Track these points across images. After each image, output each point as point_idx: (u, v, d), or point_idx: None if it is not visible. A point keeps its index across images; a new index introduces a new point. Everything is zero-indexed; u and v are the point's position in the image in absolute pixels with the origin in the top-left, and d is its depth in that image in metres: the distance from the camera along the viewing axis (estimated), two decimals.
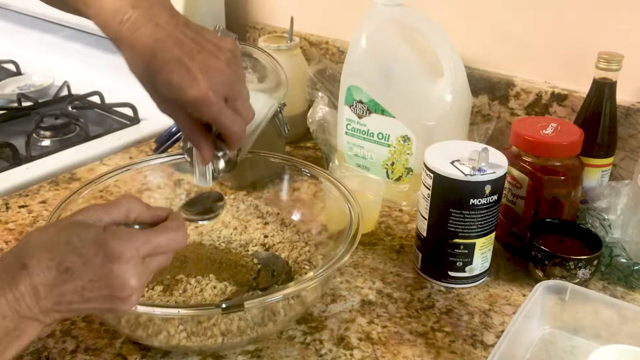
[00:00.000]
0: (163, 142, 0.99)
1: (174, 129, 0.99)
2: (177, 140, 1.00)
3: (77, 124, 1.17)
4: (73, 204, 0.71)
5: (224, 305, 0.51)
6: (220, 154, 0.64)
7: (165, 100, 0.55)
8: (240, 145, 0.61)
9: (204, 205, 0.58)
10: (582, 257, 0.69)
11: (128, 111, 1.21)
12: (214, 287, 0.62)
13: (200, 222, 0.63)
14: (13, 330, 0.43)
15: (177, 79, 0.51)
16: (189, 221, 0.55)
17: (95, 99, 1.26)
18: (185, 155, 0.67)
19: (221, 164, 0.65)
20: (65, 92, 1.31)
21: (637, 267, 0.73)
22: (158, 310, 0.52)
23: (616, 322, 0.64)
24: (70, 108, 1.22)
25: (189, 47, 0.53)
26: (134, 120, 1.19)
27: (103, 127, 1.21)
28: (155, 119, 1.19)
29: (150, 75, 0.53)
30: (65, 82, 1.31)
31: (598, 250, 0.71)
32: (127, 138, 1.12)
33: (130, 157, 1.05)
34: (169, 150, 1.00)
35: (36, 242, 0.46)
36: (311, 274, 0.59)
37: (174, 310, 0.52)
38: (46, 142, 1.12)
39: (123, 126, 1.18)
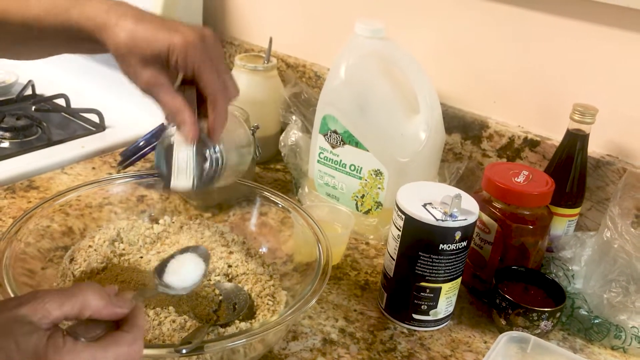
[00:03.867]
0: (129, 156, 0.96)
1: (141, 144, 0.96)
2: (143, 155, 0.97)
3: (40, 126, 1.13)
4: (31, 219, 0.68)
5: (184, 351, 0.49)
6: (205, 151, 0.57)
7: (149, 62, 0.55)
8: (220, 138, 0.58)
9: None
10: (546, 309, 0.70)
11: (94, 117, 1.17)
12: (173, 321, 0.60)
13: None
14: None
15: (163, 34, 0.54)
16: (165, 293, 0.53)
17: (61, 101, 1.22)
18: (159, 158, 0.60)
19: (206, 164, 0.58)
20: (29, 92, 1.26)
21: (597, 321, 0.73)
22: None
23: None
24: (33, 109, 1.18)
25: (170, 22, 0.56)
26: (99, 127, 1.15)
27: (67, 131, 1.17)
28: (121, 128, 1.16)
29: (135, 40, 0.54)
30: (29, 82, 1.27)
31: (562, 302, 0.71)
32: (91, 146, 1.09)
33: (93, 168, 1.02)
34: (135, 164, 0.98)
35: None
36: (275, 317, 0.58)
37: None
38: (5, 144, 1.08)
39: (88, 132, 1.14)
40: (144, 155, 0.97)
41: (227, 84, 0.58)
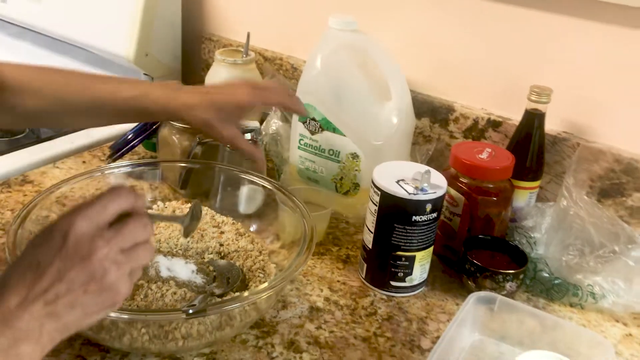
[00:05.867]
0: (119, 149, 1.02)
1: (129, 136, 1.02)
2: (132, 147, 1.02)
3: None
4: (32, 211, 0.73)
5: (190, 311, 0.55)
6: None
7: (225, 122, 0.75)
8: None
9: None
10: (510, 271, 0.77)
11: None
12: (174, 293, 0.66)
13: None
14: (8, 347, 0.44)
15: (229, 97, 0.76)
16: None
17: None
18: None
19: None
20: None
21: (557, 282, 0.81)
22: (125, 315, 0.55)
23: (538, 331, 0.71)
24: None
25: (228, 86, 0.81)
26: None
27: (53, 129, 1.21)
28: None
29: (213, 110, 0.74)
30: None
31: (524, 265, 0.78)
32: (79, 141, 1.13)
33: (84, 162, 1.06)
34: (124, 157, 1.03)
35: (15, 260, 0.50)
36: (266, 284, 0.64)
37: (141, 315, 0.56)
38: None
39: (74, 129, 1.19)
40: (132, 148, 1.02)
41: (290, 93, 0.84)
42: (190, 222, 0.62)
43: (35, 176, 1.00)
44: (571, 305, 0.80)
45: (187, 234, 0.63)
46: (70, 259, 0.47)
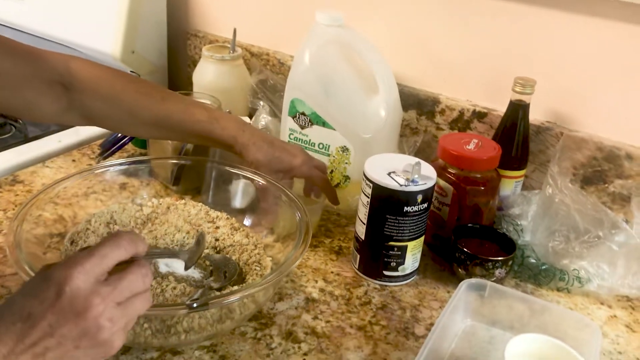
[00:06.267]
0: (109, 147, 1.02)
1: (119, 134, 1.02)
2: (122, 146, 1.03)
3: (14, 124, 1.17)
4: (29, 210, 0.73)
5: (195, 305, 0.56)
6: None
7: (273, 172, 0.82)
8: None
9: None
10: (499, 258, 0.79)
11: None
12: (174, 288, 0.67)
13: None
14: None
15: (287, 156, 0.82)
16: None
17: None
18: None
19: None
20: None
21: (544, 267, 0.83)
22: None
23: (527, 315, 0.74)
24: None
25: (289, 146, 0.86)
26: None
27: (40, 128, 1.21)
28: None
29: (269, 159, 0.81)
30: None
31: (512, 252, 0.81)
32: (67, 140, 1.13)
33: (73, 160, 1.07)
34: (114, 155, 1.03)
35: (4, 304, 0.48)
36: (266, 275, 0.65)
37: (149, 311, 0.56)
38: None
39: (62, 128, 1.18)
40: (122, 146, 1.03)
41: (325, 177, 0.87)
42: (195, 251, 0.63)
43: (25, 176, 1.00)
44: (558, 290, 0.83)
45: (189, 265, 0.63)
46: (63, 314, 0.46)
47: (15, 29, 1.39)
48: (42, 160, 1.06)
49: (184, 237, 0.78)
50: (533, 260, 0.84)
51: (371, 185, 0.77)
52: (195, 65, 1.15)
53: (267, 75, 1.12)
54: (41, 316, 0.46)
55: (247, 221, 0.84)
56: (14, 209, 0.91)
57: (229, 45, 1.13)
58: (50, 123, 1.14)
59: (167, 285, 0.67)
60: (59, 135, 1.15)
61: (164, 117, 0.77)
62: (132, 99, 0.76)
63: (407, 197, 0.76)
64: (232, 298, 0.60)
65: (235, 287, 0.69)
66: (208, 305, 0.57)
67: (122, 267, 0.51)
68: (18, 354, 0.45)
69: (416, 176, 0.76)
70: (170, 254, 0.72)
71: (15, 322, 0.46)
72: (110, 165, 0.86)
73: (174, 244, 0.77)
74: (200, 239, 0.64)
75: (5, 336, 0.45)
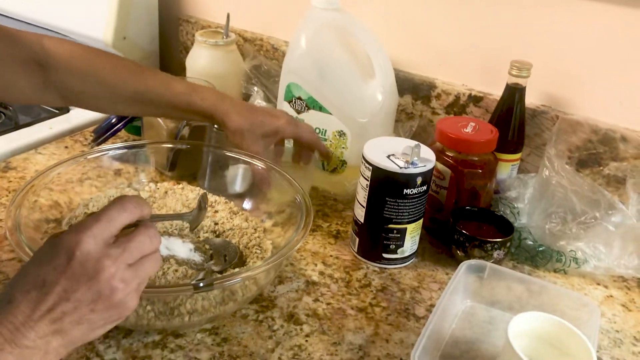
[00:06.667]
0: (102, 133, 1.01)
1: (113, 120, 1.01)
2: (116, 132, 1.02)
3: (4, 112, 1.15)
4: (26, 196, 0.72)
5: (201, 285, 0.56)
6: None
7: (258, 138, 0.79)
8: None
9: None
10: (498, 239, 0.80)
11: None
12: (176, 271, 0.67)
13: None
14: None
15: (270, 119, 0.80)
16: None
17: None
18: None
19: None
20: None
21: (541, 249, 0.84)
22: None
23: (526, 295, 0.74)
24: None
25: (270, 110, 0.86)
26: (64, 109, 1.18)
27: (30, 115, 1.19)
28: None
29: (252, 124, 0.78)
30: None
31: (510, 233, 0.81)
32: (59, 127, 1.12)
33: (66, 147, 1.05)
34: (108, 141, 1.02)
35: (17, 275, 0.48)
36: (267, 255, 0.65)
37: (151, 290, 0.56)
38: None
39: (52, 115, 1.17)
40: (116, 132, 1.02)
41: (312, 132, 0.86)
42: (198, 214, 0.63)
43: (18, 162, 0.99)
44: (555, 271, 0.84)
45: (194, 227, 0.65)
46: (76, 278, 0.47)
47: (6, 16, 1.37)
48: (34, 147, 1.05)
49: (182, 222, 0.77)
50: (530, 242, 0.85)
51: (370, 167, 0.77)
52: (187, 52, 1.14)
53: (261, 61, 1.11)
54: (55, 282, 0.46)
55: (246, 205, 0.84)
56: (7, 196, 0.90)
57: (222, 31, 1.13)
58: (29, 104, 1.13)
59: (168, 268, 0.67)
60: (50, 122, 1.14)
61: (143, 91, 0.77)
62: (109, 74, 0.76)
63: (406, 180, 0.76)
64: (236, 279, 0.60)
65: (237, 270, 0.68)
66: (213, 285, 0.57)
67: (129, 230, 0.51)
68: (36, 321, 0.46)
69: (416, 158, 0.76)
70: (175, 217, 0.74)
71: (30, 290, 0.46)
72: (105, 150, 0.85)
73: (173, 228, 0.77)
74: (202, 203, 0.64)
75: (21, 304, 0.46)
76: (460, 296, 0.75)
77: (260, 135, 0.79)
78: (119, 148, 0.87)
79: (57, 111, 1.18)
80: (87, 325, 0.48)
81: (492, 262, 0.78)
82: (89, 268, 0.47)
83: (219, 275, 0.65)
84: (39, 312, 0.46)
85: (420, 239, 0.84)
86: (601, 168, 0.91)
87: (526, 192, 0.88)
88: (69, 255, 0.47)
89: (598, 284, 0.82)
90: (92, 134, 1.04)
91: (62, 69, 0.74)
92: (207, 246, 0.75)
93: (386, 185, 0.77)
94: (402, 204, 0.77)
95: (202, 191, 0.81)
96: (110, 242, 0.49)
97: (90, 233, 0.48)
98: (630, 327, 0.75)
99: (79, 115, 1.17)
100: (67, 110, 1.19)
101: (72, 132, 1.11)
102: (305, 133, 0.84)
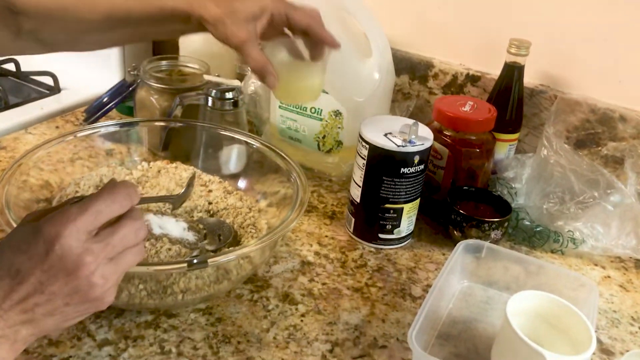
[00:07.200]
0: (94, 112, 0.99)
1: (105, 99, 0.99)
2: (108, 111, 1.00)
3: None
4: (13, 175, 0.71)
5: (195, 261, 0.55)
6: None
7: (242, 24, 0.64)
8: None
9: None
10: (495, 219, 0.79)
11: (48, 80, 1.18)
12: (169, 249, 0.65)
13: None
14: None
15: (252, 1, 0.65)
16: None
17: (10, 66, 1.22)
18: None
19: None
20: None
21: (538, 229, 0.83)
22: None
23: (523, 276, 0.73)
24: None
25: None
26: (55, 89, 1.17)
27: (20, 96, 1.18)
28: (76, 89, 1.18)
29: (232, 9, 0.63)
30: None
31: (508, 213, 0.80)
32: (50, 107, 1.11)
33: (57, 127, 1.04)
34: (100, 120, 1.01)
35: None
36: (261, 234, 0.64)
37: (143, 268, 0.55)
38: None
39: (43, 95, 1.16)
40: (108, 111, 1.00)
41: (311, 13, 0.69)
42: (183, 192, 0.62)
43: (8, 142, 0.97)
44: (552, 252, 0.83)
45: (177, 206, 0.63)
46: (53, 272, 0.45)
47: None
48: (24, 127, 1.03)
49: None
50: (527, 223, 0.84)
51: (367, 146, 0.76)
52: None
53: None
54: (30, 272, 0.45)
55: (240, 184, 0.82)
56: None
57: None
58: (7, 55, 1.10)
59: (161, 247, 0.65)
60: (41, 102, 1.12)
61: (111, 11, 0.67)
62: (75, 1, 0.67)
63: (404, 158, 0.75)
64: (231, 256, 0.59)
65: (231, 248, 0.67)
66: (207, 262, 0.56)
67: (115, 222, 0.49)
68: (6, 310, 0.44)
69: (413, 137, 0.75)
70: (162, 198, 0.73)
71: (3, 277, 0.45)
72: (96, 128, 0.83)
73: (166, 207, 0.75)
74: (190, 182, 0.62)
75: None
76: (457, 276, 0.75)
77: (244, 19, 0.65)
78: (110, 125, 0.85)
79: (47, 91, 1.16)
80: (59, 317, 0.46)
81: (489, 242, 0.78)
82: (68, 263, 0.45)
83: (212, 254, 0.64)
84: (10, 301, 0.44)
85: (417, 219, 0.83)
86: (599, 148, 0.90)
87: (524, 172, 0.87)
88: (48, 246, 0.45)
89: (595, 265, 0.82)
90: (84, 114, 1.03)
91: (29, 8, 0.67)
92: (200, 226, 0.74)
93: (383, 164, 0.75)
94: (399, 183, 0.76)
95: (196, 170, 0.80)
96: (93, 233, 0.47)
97: (74, 226, 0.45)
98: (628, 307, 0.75)
99: (70, 96, 1.16)
100: (59, 91, 1.17)
101: (63, 113, 1.09)
102: (299, 13, 0.67)
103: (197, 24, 0.65)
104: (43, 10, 0.68)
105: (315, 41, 0.70)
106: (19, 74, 1.21)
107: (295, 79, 0.71)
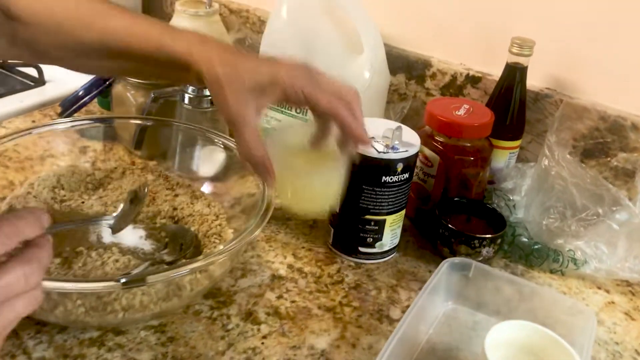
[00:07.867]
0: (68, 106, 0.94)
1: (80, 93, 0.94)
2: (84, 105, 0.95)
3: None
4: None
5: (123, 280, 0.49)
6: None
7: (245, 93, 0.54)
8: None
9: None
10: (487, 235, 0.72)
11: (32, 72, 1.13)
12: (116, 261, 0.60)
13: None
14: None
15: (266, 67, 0.55)
16: None
17: None
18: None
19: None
20: None
21: (537, 247, 0.76)
22: (52, 284, 0.48)
23: (515, 299, 0.66)
24: None
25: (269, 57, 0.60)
26: (39, 81, 1.12)
27: (4, 87, 1.13)
28: (62, 82, 1.13)
29: (237, 71, 0.54)
30: None
31: (502, 229, 0.73)
32: (30, 100, 1.06)
33: (33, 121, 0.99)
34: (75, 115, 0.96)
35: None
36: (220, 247, 0.58)
37: (70, 285, 0.49)
38: None
39: (27, 87, 1.11)
40: (84, 105, 0.95)
41: (342, 95, 0.56)
42: (126, 211, 0.55)
43: None
44: (551, 272, 0.76)
45: (118, 228, 0.56)
46: None
47: None
48: (1, 120, 0.99)
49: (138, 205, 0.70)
50: (525, 239, 0.77)
51: None
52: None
53: (246, 34, 1.03)
54: None
55: (213, 188, 0.76)
56: None
57: (205, 1, 1.05)
58: (3, 60, 1.06)
59: (108, 258, 0.60)
60: (22, 95, 1.07)
61: (104, 38, 0.60)
62: (69, 18, 0.61)
63: (386, 166, 0.68)
64: (175, 273, 0.52)
65: (184, 261, 0.61)
66: (144, 280, 0.50)
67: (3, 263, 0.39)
68: None
69: (396, 142, 0.68)
70: (90, 221, 0.63)
71: None
72: (65, 123, 0.78)
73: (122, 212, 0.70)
74: (135, 197, 0.54)
75: None
76: (441, 297, 0.68)
77: (248, 89, 0.54)
78: (81, 120, 0.80)
79: (32, 84, 1.12)
80: None
81: (480, 260, 0.71)
82: None
83: (152, 269, 0.58)
84: None
85: (404, 231, 0.76)
86: (609, 159, 0.82)
87: (524, 182, 0.80)
88: None
89: (599, 288, 0.74)
90: (60, 107, 0.98)
91: (25, 17, 0.62)
92: (163, 233, 0.68)
93: (363, 171, 0.69)
94: (381, 193, 0.69)
95: (163, 172, 0.74)
96: None
97: None
98: (633, 338, 0.67)
99: (54, 88, 1.11)
100: (43, 83, 1.12)
101: (43, 106, 1.05)
102: (326, 97, 0.55)
103: (197, 77, 0.55)
104: (38, 20, 0.62)
105: (342, 133, 0.57)
106: (4, 65, 1.17)
107: (304, 177, 0.59)
